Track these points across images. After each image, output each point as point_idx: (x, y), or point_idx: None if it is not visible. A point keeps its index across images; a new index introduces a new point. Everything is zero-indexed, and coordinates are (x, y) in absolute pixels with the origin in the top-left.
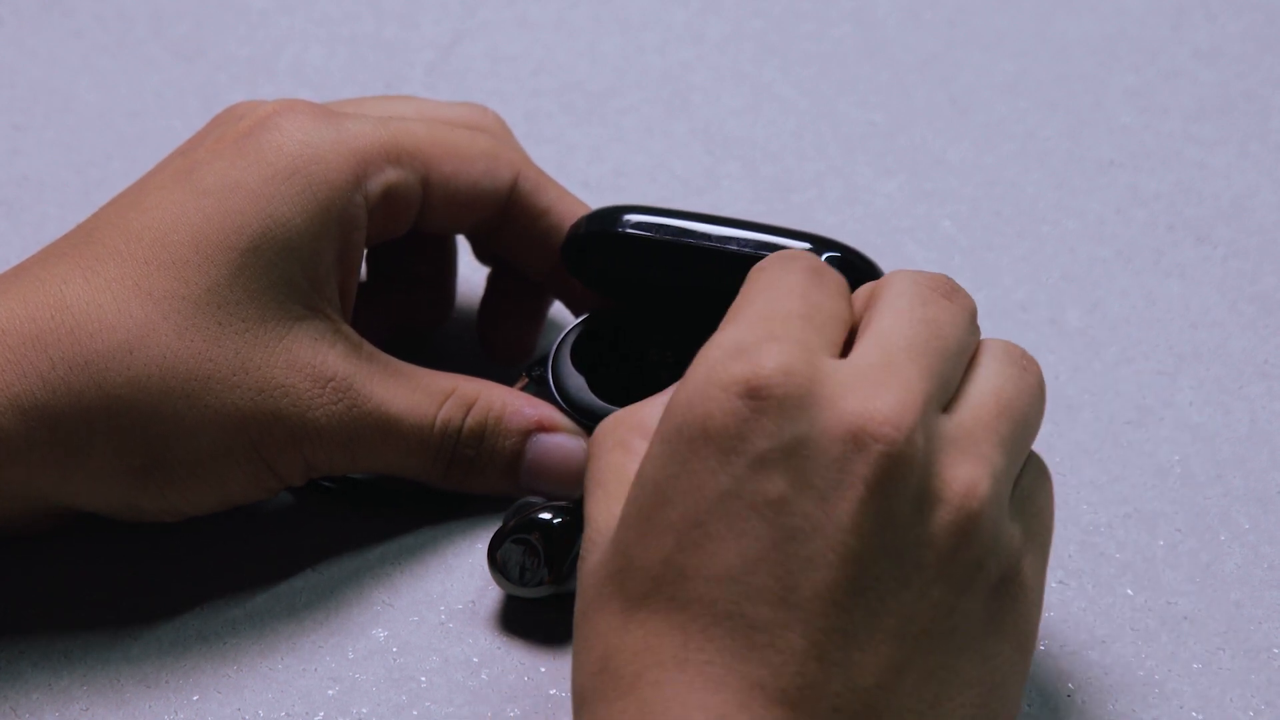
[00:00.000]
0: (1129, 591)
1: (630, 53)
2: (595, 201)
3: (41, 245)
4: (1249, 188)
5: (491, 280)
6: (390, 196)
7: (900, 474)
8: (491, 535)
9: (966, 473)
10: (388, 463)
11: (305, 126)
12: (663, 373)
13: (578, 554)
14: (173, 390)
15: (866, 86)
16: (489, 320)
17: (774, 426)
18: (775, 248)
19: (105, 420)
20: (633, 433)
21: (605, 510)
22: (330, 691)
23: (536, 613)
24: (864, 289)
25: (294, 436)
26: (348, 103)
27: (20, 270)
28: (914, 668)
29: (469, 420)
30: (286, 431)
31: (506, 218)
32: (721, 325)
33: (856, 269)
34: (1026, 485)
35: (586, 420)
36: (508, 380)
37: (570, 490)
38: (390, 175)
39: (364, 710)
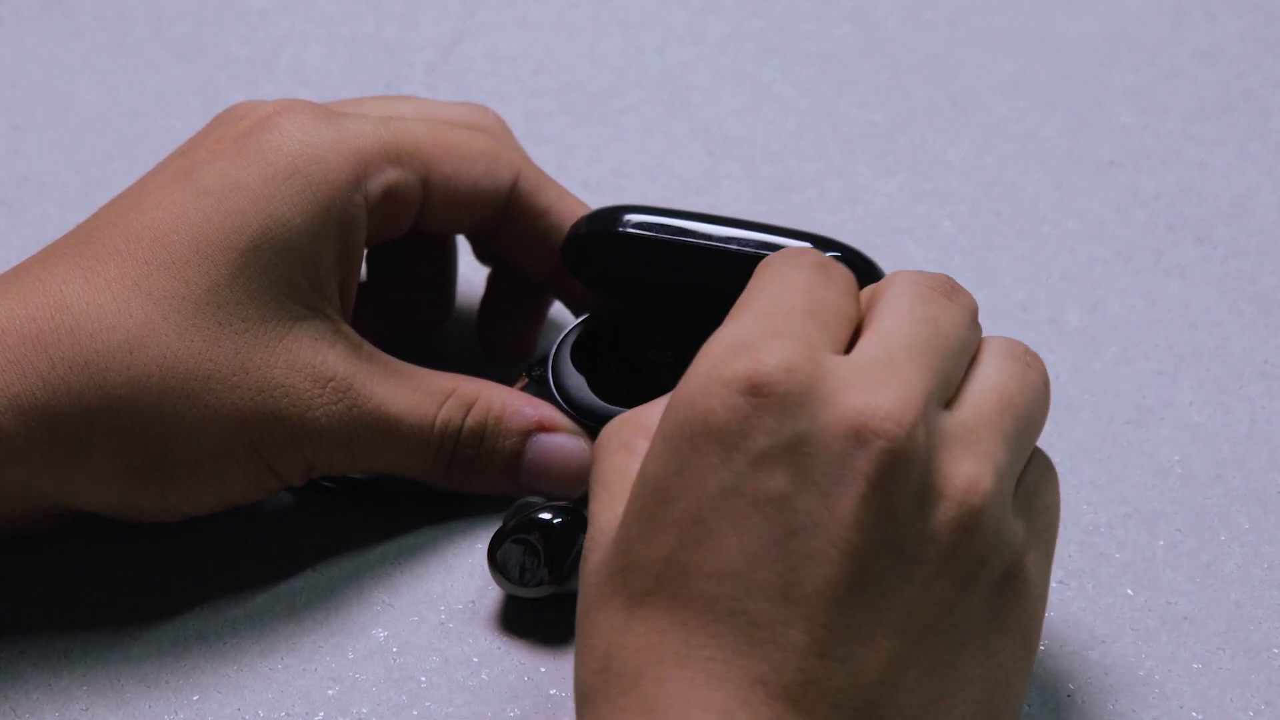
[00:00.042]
0: (1129, 591)
1: (630, 53)
2: (595, 201)
3: (41, 245)
4: (1249, 188)
5: (491, 280)
6: (390, 196)
7: (902, 470)
8: (491, 535)
9: (969, 469)
10: (388, 463)
11: (305, 126)
12: (663, 373)
13: (578, 554)
14: (173, 390)
15: (866, 86)
16: (489, 320)
17: (775, 423)
18: (776, 247)
19: (105, 420)
20: (636, 434)
21: (608, 510)
22: (330, 691)
23: (536, 613)
24: (865, 290)
25: (294, 436)
26: (348, 103)
27: (20, 270)
28: (916, 663)
29: (469, 420)
30: (286, 431)
31: (506, 218)
32: (725, 321)
33: (857, 269)
34: (1031, 481)
35: (586, 420)
36: (508, 380)
37: (570, 490)
38: (390, 175)
39: (364, 710)
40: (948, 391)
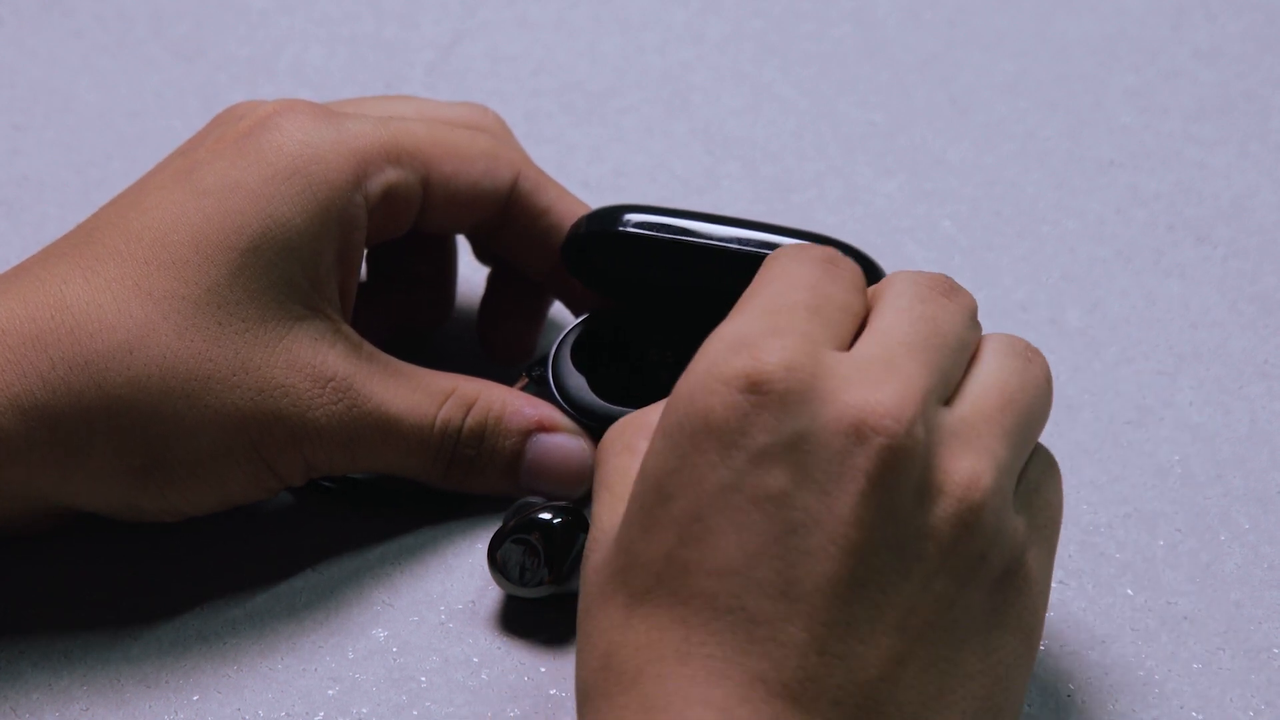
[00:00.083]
0: (1129, 591)
1: (630, 53)
2: (595, 201)
3: (41, 245)
4: (1249, 188)
5: (491, 280)
6: (390, 196)
7: (901, 466)
8: (491, 535)
9: (968, 465)
10: (388, 463)
11: (305, 126)
12: (663, 373)
13: (578, 554)
14: (173, 390)
15: (866, 86)
16: (489, 320)
17: (774, 421)
18: (776, 247)
19: (105, 420)
20: (639, 435)
21: (610, 510)
22: (330, 691)
23: (536, 613)
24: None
25: (294, 436)
26: (348, 103)
27: (20, 270)
28: (916, 659)
29: (469, 420)
30: (286, 431)
31: (506, 218)
32: (728, 316)
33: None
34: (1032, 477)
35: (586, 420)
36: (508, 380)
37: (570, 490)
38: (390, 175)
39: (364, 710)
40: (947, 389)
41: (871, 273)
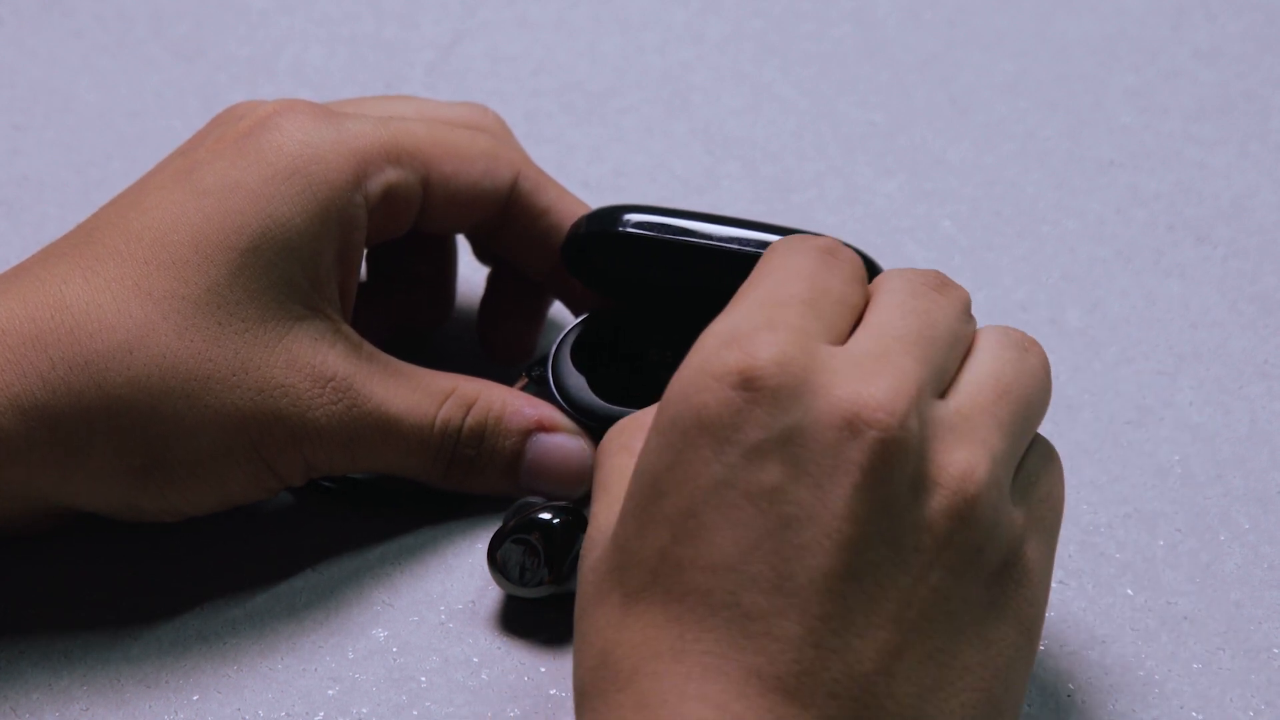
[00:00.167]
0: (1129, 591)
1: (630, 53)
2: (595, 201)
3: (41, 245)
4: (1249, 188)
5: (491, 280)
6: (390, 196)
7: (895, 460)
8: (491, 535)
9: (963, 457)
10: (388, 463)
11: (305, 126)
12: (663, 373)
13: (578, 554)
14: (173, 390)
15: (866, 86)
16: (489, 320)
17: (768, 416)
18: None
19: (105, 420)
20: (636, 435)
21: (607, 510)
22: (330, 691)
23: (536, 613)
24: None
25: (294, 436)
26: (348, 103)
27: (20, 270)
28: (912, 652)
29: (469, 420)
30: (286, 431)
31: (506, 217)
32: (724, 310)
33: None
34: (1031, 469)
35: (586, 420)
36: (508, 380)
37: (570, 490)
38: (390, 175)
39: (364, 710)
40: (942, 381)
41: (873, 272)
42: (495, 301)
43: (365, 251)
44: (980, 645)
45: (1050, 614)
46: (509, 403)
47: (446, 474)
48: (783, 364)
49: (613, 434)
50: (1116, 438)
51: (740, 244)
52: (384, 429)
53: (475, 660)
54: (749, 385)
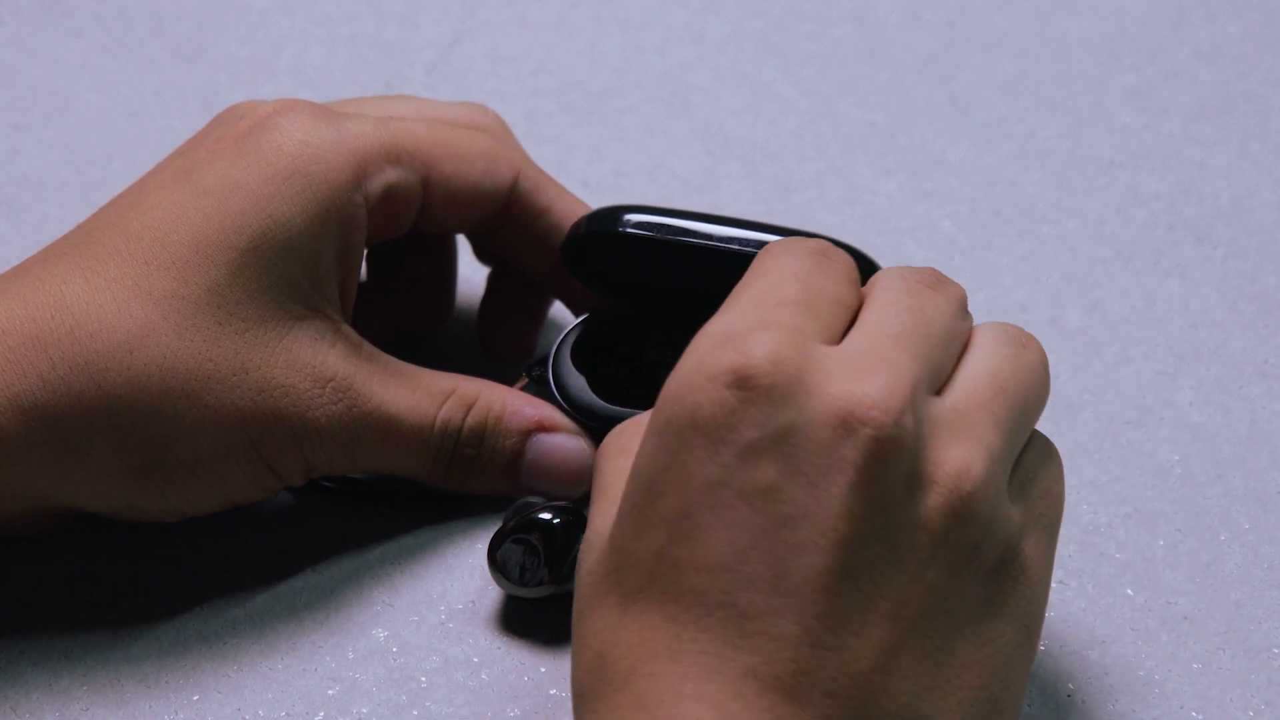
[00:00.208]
0: (1129, 591)
1: (630, 53)
2: (595, 201)
3: (41, 245)
4: (1249, 188)
5: (491, 280)
6: (390, 196)
7: (890, 458)
8: (491, 535)
9: (959, 454)
10: (388, 463)
11: (305, 126)
12: (663, 372)
13: (578, 554)
14: (173, 390)
15: (866, 86)
16: (489, 320)
17: (762, 415)
18: None
19: (105, 420)
20: (634, 439)
21: (604, 513)
22: (330, 691)
23: (536, 613)
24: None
25: (294, 436)
26: (348, 103)
27: (20, 270)
28: (909, 650)
29: (469, 420)
30: (286, 431)
31: (506, 217)
32: (718, 311)
33: (858, 268)
34: (1029, 465)
35: (587, 420)
36: (508, 380)
37: (570, 490)
38: (390, 175)
39: (364, 710)
40: (938, 379)
41: (873, 273)
42: (495, 301)
43: (365, 251)
44: (978, 643)
45: (1050, 614)
46: (509, 403)
47: (446, 474)
48: (777, 363)
49: (612, 437)
50: (1116, 438)
51: (740, 244)
52: (384, 429)
53: (475, 660)
54: (743, 385)
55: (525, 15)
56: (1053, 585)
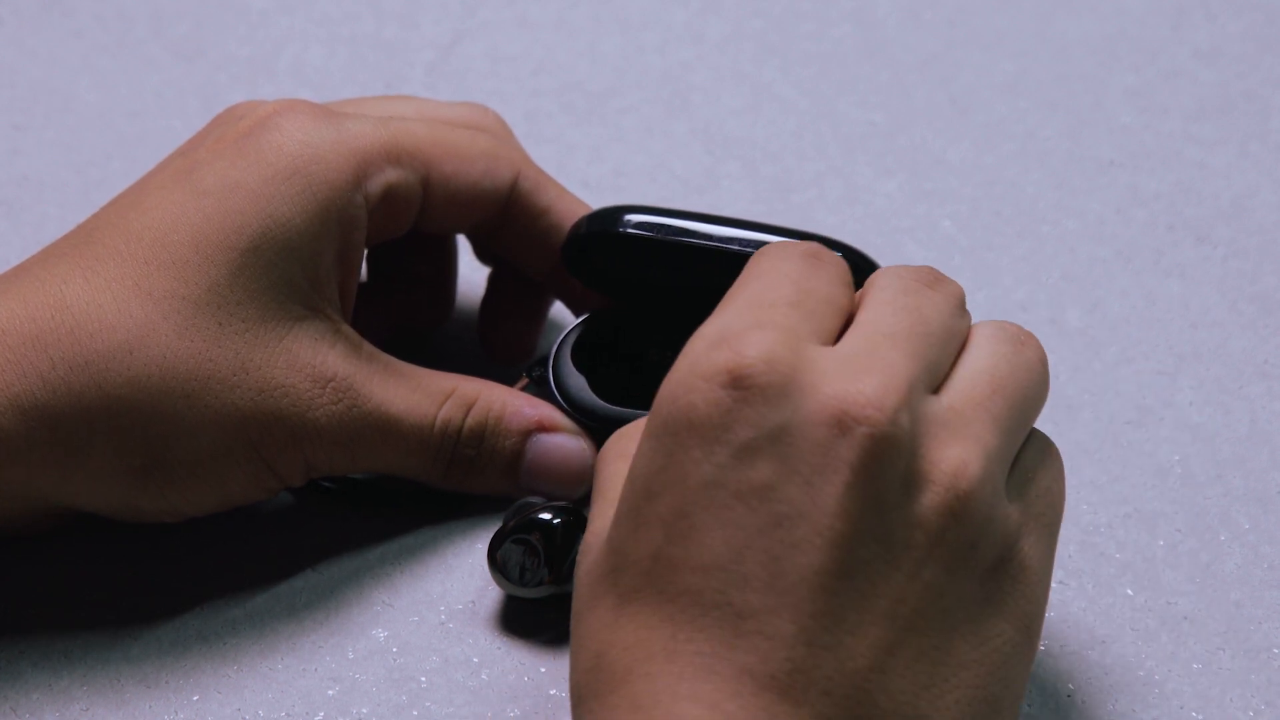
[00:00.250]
0: (1129, 591)
1: (630, 53)
2: (595, 201)
3: (41, 245)
4: (1249, 188)
5: (492, 280)
6: (390, 196)
7: (886, 456)
8: (491, 535)
9: (956, 453)
10: (388, 463)
11: (305, 126)
12: (662, 373)
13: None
14: (173, 390)
15: (866, 86)
16: (489, 320)
17: (757, 415)
18: None
19: (105, 420)
20: (634, 442)
21: (603, 514)
22: (330, 691)
23: (536, 613)
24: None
25: (294, 436)
26: (348, 103)
27: (20, 270)
28: (906, 649)
29: (469, 420)
30: (286, 431)
31: (507, 217)
32: (712, 314)
33: (858, 269)
34: (1027, 464)
35: (587, 420)
36: (508, 380)
37: (570, 490)
38: (390, 175)
39: (364, 710)
40: (934, 377)
41: (869, 270)
42: (496, 301)
43: (365, 251)
44: (975, 642)
45: (1050, 614)
46: (509, 403)
47: (446, 474)
48: (771, 362)
49: (612, 441)
50: (1116, 438)
51: (740, 244)
52: (384, 429)
53: (475, 660)
54: (737, 384)
55: (525, 15)
56: (1053, 585)
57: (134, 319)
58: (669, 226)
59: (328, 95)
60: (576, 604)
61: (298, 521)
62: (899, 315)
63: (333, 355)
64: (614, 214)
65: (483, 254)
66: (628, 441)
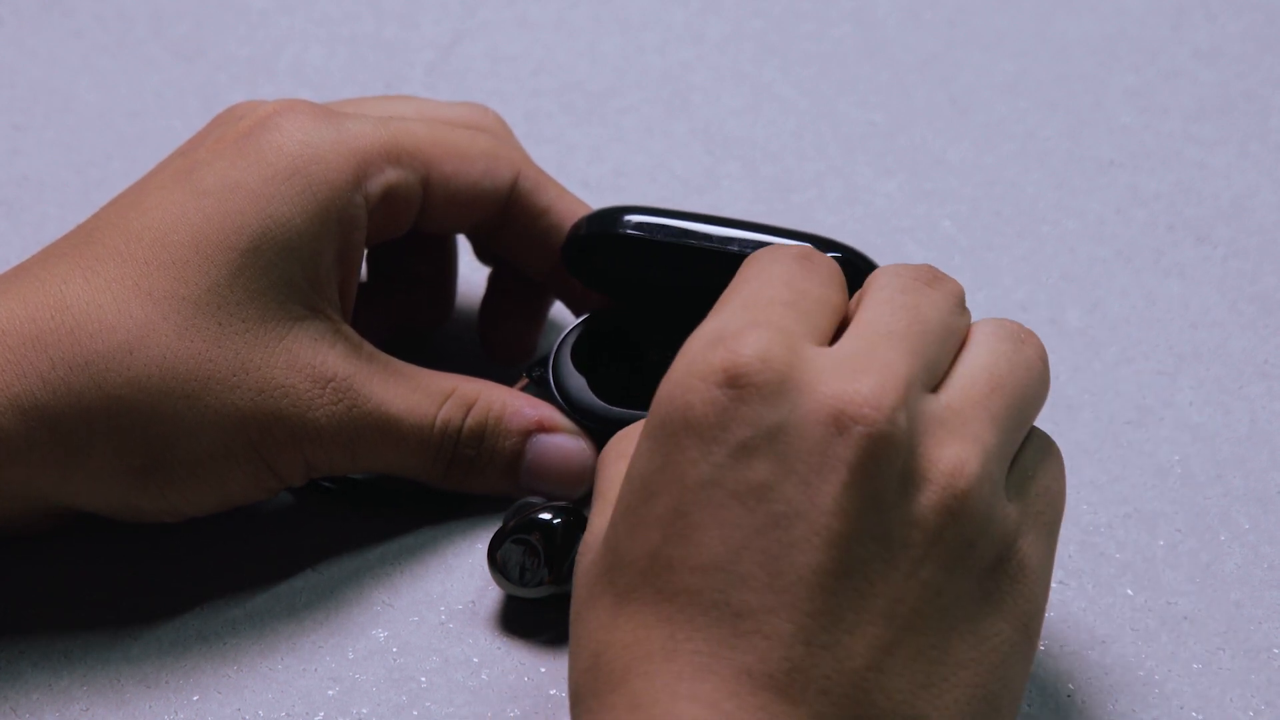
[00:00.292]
0: (1129, 591)
1: (630, 53)
2: (595, 201)
3: (41, 245)
4: (1249, 188)
5: (492, 280)
6: (390, 196)
7: (884, 456)
8: (491, 535)
9: (953, 452)
10: (388, 463)
11: (305, 126)
12: (662, 373)
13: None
14: (173, 390)
15: (866, 86)
16: (489, 320)
17: (754, 414)
18: None
19: (105, 420)
20: (634, 443)
21: (602, 515)
22: (330, 691)
23: (536, 613)
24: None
25: (294, 437)
26: (348, 103)
27: (20, 270)
28: (904, 648)
29: (469, 420)
30: (286, 432)
31: (507, 217)
32: (707, 316)
33: (857, 269)
34: (1027, 463)
35: (587, 420)
36: (508, 380)
37: (570, 491)
38: (390, 175)
39: (364, 710)
40: (933, 376)
41: (868, 270)
42: (496, 301)
43: (365, 251)
44: (974, 641)
45: (1050, 614)
46: (509, 403)
47: (446, 474)
48: (767, 360)
49: (613, 443)
50: (1116, 438)
51: (739, 245)
52: (384, 429)
53: (475, 660)
54: (734, 383)
55: (525, 15)
56: (1053, 585)
57: (134, 319)
58: (669, 227)
59: (328, 95)
60: (575, 603)
61: (298, 521)
62: (897, 314)
63: (333, 355)
64: (614, 214)
65: (483, 254)
66: (628, 442)
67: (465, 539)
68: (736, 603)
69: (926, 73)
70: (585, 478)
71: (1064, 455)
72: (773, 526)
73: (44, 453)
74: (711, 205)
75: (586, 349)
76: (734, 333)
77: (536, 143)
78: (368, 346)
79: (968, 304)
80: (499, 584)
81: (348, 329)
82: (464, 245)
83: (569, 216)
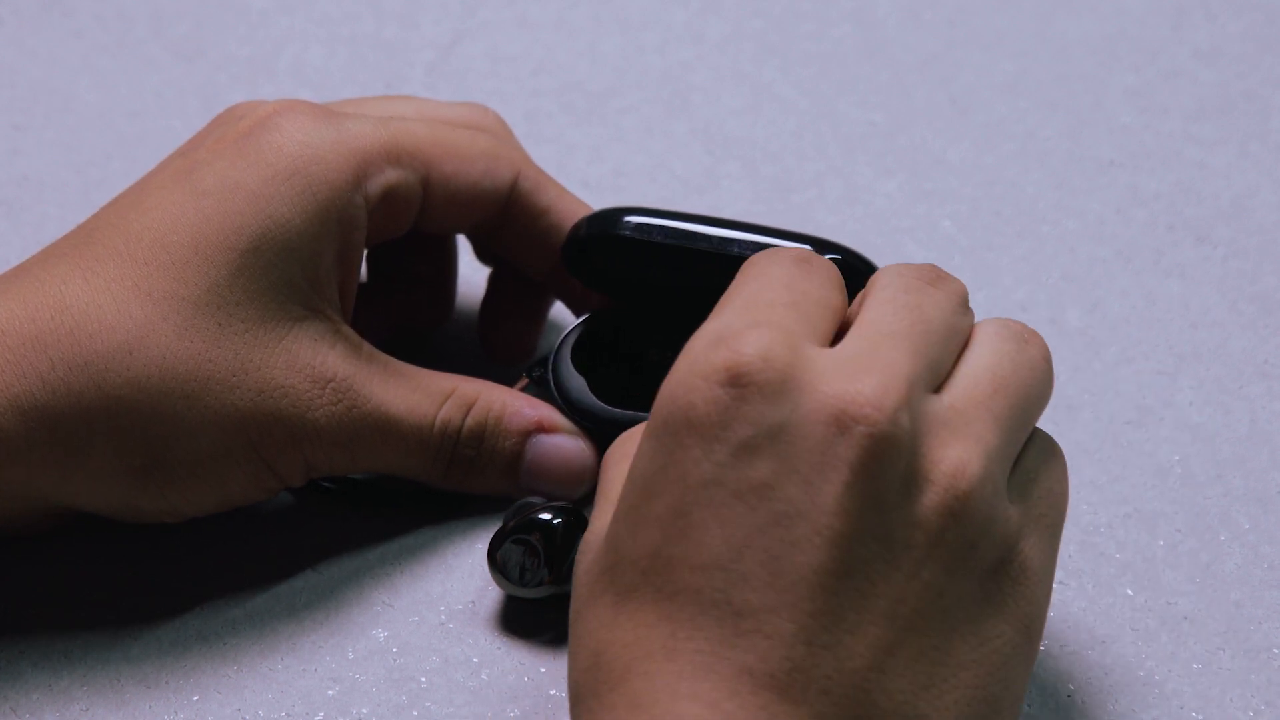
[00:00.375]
0: (1129, 591)
1: (630, 53)
2: (595, 201)
3: (41, 245)
4: (1249, 188)
5: (492, 280)
6: (390, 196)
7: (886, 456)
8: (491, 535)
9: (956, 453)
10: (388, 463)
11: (305, 127)
12: (663, 374)
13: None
14: (172, 391)
15: (866, 86)
16: (489, 320)
17: (755, 413)
18: None
19: (105, 421)
20: (636, 444)
21: (604, 514)
22: (330, 691)
23: (536, 613)
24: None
25: (294, 437)
26: (348, 103)
27: (20, 270)
28: (905, 648)
29: (469, 421)
30: (286, 432)
31: (507, 217)
32: (709, 317)
33: (856, 270)
34: (1029, 464)
35: (587, 421)
36: (508, 380)
37: (570, 491)
38: (390, 175)
39: (364, 710)
40: (936, 376)
41: (869, 272)
42: (496, 302)
43: (365, 251)
44: (975, 642)
45: (1050, 614)
46: (509, 403)
47: (446, 474)
48: (769, 359)
49: (617, 443)
50: (1116, 438)
51: (740, 246)
52: (384, 429)
53: (475, 660)
54: (736, 382)
55: (525, 15)
56: (1054, 585)
57: (134, 320)
58: (668, 228)
59: (328, 95)
60: (575, 602)
61: (298, 521)
62: (900, 314)
63: (332, 355)
64: (614, 215)
65: (483, 254)
66: (632, 443)
67: (465, 539)
68: (738, 602)
69: (926, 73)
70: (585, 478)
71: (1065, 455)
72: (774, 526)
73: (44, 453)
74: (711, 205)
75: (586, 349)
76: (736, 333)
77: (536, 143)
78: (367, 347)
79: (968, 301)
80: (499, 584)
81: (347, 329)
82: (464, 245)
83: (569, 217)
